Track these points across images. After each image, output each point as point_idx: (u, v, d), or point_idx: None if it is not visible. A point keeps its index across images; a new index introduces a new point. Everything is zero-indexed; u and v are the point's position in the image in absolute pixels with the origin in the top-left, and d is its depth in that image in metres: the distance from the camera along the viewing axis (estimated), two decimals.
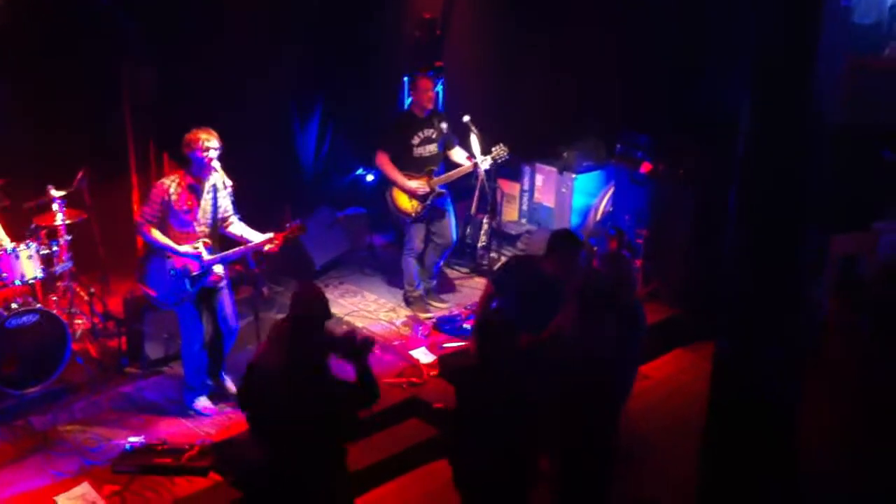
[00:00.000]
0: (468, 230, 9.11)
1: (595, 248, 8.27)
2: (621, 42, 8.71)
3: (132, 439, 6.03)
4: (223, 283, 6.39)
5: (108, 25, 8.01)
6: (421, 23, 9.54)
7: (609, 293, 5.24)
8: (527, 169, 9.24)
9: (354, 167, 10.41)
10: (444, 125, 7.79)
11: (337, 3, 9.45)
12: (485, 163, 7.71)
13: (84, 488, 5.60)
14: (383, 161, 7.79)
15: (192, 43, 8.24)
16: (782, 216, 4.34)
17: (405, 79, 10.01)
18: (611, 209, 8.80)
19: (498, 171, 8.19)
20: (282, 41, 9.15)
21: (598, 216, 8.94)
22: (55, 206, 7.00)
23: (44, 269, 6.81)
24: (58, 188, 7.02)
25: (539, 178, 9.23)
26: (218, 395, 6.58)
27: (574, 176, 8.92)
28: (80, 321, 7.28)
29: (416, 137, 7.74)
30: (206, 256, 6.12)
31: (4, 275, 6.58)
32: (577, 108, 9.06)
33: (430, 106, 7.78)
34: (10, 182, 7.12)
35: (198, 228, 6.15)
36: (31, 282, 6.74)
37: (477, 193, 8.43)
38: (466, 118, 7.78)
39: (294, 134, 9.93)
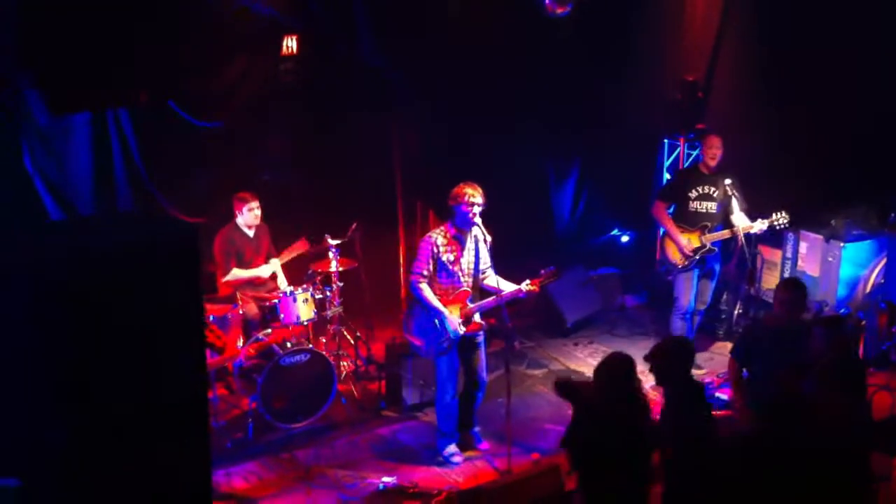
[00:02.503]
0: (725, 296, 8.90)
1: (863, 322, 7.83)
2: None
3: (385, 479, 6.30)
4: (481, 335, 6.61)
5: (380, 90, 8.59)
6: (682, 85, 9.48)
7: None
8: (790, 236, 8.89)
9: (609, 228, 10.45)
10: (728, 187, 7.71)
11: (596, 65, 9.61)
12: (761, 226, 7.65)
13: None
14: (659, 210, 7.96)
15: (456, 106, 8.67)
16: None
17: (665, 141, 9.99)
18: (882, 281, 8.29)
19: (760, 237, 8.01)
20: (540, 102, 9.41)
21: (868, 288, 8.44)
22: (330, 255, 7.54)
23: (316, 313, 7.33)
24: (333, 237, 7.55)
25: (803, 246, 8.84)
26: (467, 445, 6.77)
27: (842, 245, 8.48)
28: (345, 363, 7.76)
29: (693, 192, 7.80)
30: (461, 329, 6.36)
31: (282, 315, 7.14)
32: (847, 173, 8.63)
33: (713, 163, 7.77)
34: (358, 226, 7.78)
35: (462, 279, 6.41)
36: (304, 323, 7.25)
37: (736, 259, 8.24)
38: (728, 181, 7.67)
39: (550, 193, 10.15)
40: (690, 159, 9.54)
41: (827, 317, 7.45)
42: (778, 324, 6.23)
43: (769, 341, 6.16)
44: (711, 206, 7.81)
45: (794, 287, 6.31)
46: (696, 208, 7.83)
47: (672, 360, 5.18)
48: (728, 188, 7.69)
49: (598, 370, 4.99)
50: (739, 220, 7.71)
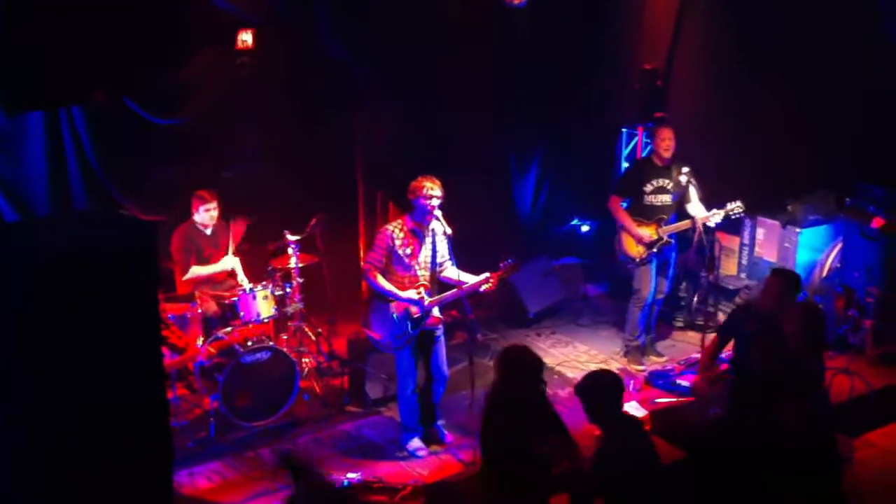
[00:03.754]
0: (684, 283, 8.96)
1: (821, 307, 7.91)
2: (857, 91, 8.35)
3: (350, 475, 6.26)
4: (440, 329, 6.61)
5: (341, 83, 8.55)
6: (642, 74, 9.52)
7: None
8: (748, 222, 8.99)
9: (571, 217, 10.49)
10: (683, 178, 7.72)
11: (557, 57, 9.63)
12: (717, 216, 7.63)
13: None
14: (614, 205, 7.90)
15: (417, 98, 8.64)
16: None
17: (623, 130, 10.03)
18: (838, 265, 8.41)
19: (719, 224, 8.05)
20: (502, 94, 9.42)
21: (825, 272, 8.55)
22: (290, 250, 7.49)
23: (277, 309, 7.28)
24: (293, 233, 7.50)
25: (760, 232, 8.95)
26: (432, 439, 6.77)
27: (799, 230, 8.59)
28: (307, 360, 7.71)
29: (649, 185, 7.77)
30: (426, 300, 6.37)
31: (242, 313, 7.08)
32: (804, 160, 8.74)
33: (667, 155, 7.74)
34: (256, 223, 7.71)
35: (419, 272, 6.41)
36: (265, 321, 7.20)
37: (694, 246, 8.28)
38: (686, 169, 7.70)
39: (512, 184, 10.15)
40: (648, 149, 9.58)
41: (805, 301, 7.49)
42: (763, 310, 6.14)
43: (754, 326, 6.12)
44: (667, 199, 7.80)
45: (781, 275, 6.20)
46: (652, 202, 7.80)
47: (603, 396, 4.87)
48: (686, 176, 7.72)
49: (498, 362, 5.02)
50: (696, 209, 7.73)
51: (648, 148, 9.47)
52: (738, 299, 8.89)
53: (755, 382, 5.54)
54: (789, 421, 4.99)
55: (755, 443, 4.80)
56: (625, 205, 7.99)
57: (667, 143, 7.72)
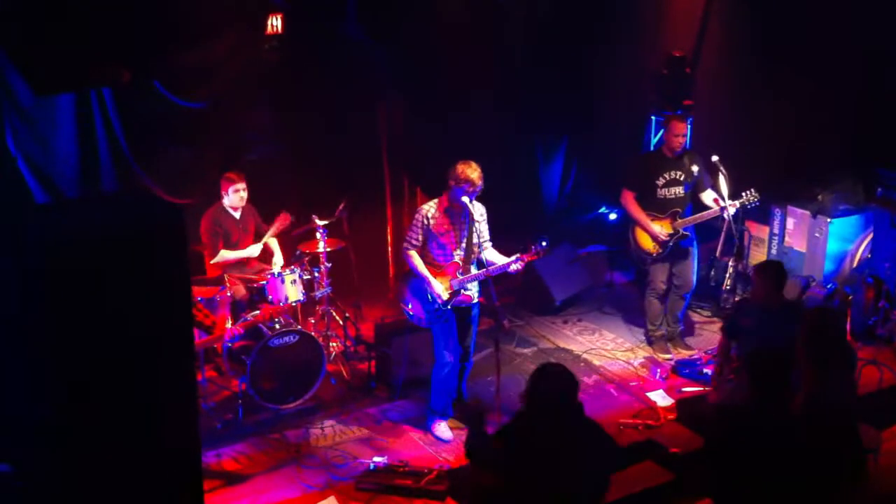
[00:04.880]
0: (712, 273, 8.91)
1: (850, 297, 7.86)
2: (886, 79, 8.26)
3: (376, 459, 6.31)
4: (476, 310, 6.65)
5: (367, 68, 8.54)
6: (669, 60, 9.44)
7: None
8: (777, 211, 8.91)
9: (597, 205, 10.44)
10: (695, 168, 7.63)
11: (583, 42, 9.56)
12: (732, 208, 7.47)
13: (330, 502, 5.93)
14: (628, 200, 7.77)
15: (443, 84, 8.62)
16: None
17: (652, 117, 9.97)
18: (869, 256, 8.33)
19: (746, 213, 7.95)
20: (529, 80, 9.37)
21: (855, 263, 8.48)
22: (318, 235, 7.52)
23: (304, 293, 7.31)
24: (321, 217, 7.53)
25: (790, 222, 8.87)
26: (457, 423, 6.78)
27: (829, 220, 8.51)
28: (334, 343, 7.75)
29: (661, 178, 7.65)
30: (458, 278, 6.41)
31: (270, 297, 7.12)
32: (834, 148, 8.65)
33: (679, 149, 7.62)
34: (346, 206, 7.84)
35: (454, 252, 6.46)
36: (293, 304, 7.24)
37: (723, 236, 8.20)
38: (715, 158, 7.57)
39: (539, 171, 10.12)
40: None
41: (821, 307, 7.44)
42: (761, 304, 6.29)
43: (755, 320, 6.23)
44: (679, 191, 7.68)
45: (764, 269, 6.36)
46: (665, 195, 7.67)
47: (546, 386, 4.51)
48: (698, 165, 7.64)
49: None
50: (710, 200, 7.64)
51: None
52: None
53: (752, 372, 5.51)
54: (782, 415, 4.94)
55: (756, 434, 4.77)
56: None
57: (680, 139, 7.59)
